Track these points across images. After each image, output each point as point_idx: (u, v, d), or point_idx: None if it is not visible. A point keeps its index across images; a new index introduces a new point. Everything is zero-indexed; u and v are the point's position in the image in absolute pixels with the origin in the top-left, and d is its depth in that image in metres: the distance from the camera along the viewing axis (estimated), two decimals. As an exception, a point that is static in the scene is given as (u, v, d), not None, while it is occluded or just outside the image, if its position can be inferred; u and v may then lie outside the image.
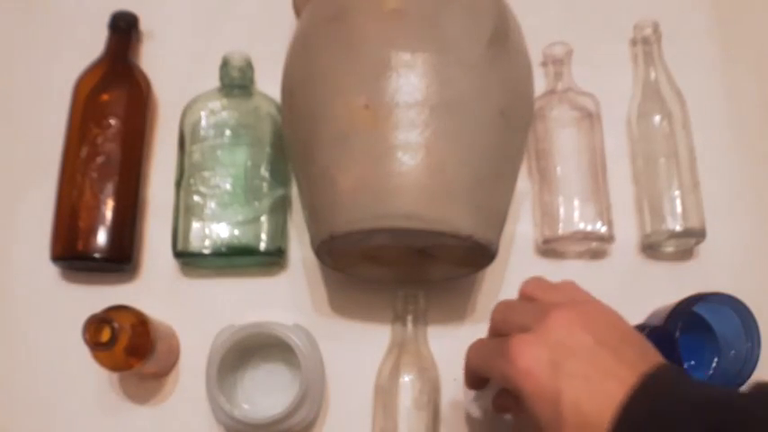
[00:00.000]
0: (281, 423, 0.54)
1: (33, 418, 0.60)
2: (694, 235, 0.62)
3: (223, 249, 0.61)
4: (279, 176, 0.63)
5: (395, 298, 0.61)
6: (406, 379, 0.57)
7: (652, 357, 0.41)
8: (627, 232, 0.65)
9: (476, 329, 0.62)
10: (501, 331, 0.47)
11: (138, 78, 0.67)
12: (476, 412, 0.60)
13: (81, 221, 0.61)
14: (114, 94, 0.66)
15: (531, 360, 0.40)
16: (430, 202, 0.49)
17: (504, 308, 0.49)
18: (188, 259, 0.63)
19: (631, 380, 0.38)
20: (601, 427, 0.37)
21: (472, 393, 0.59)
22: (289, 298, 0.63)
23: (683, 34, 0.71)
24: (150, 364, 0.55)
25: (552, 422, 0.39)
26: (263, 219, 0.62)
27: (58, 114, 0.65)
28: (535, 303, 0.46)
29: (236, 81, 0.65)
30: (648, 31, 0.68)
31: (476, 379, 0.52)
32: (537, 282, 0.49)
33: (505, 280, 0.64)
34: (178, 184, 0.63)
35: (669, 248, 0.64)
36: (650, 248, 0.65)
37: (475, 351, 0.50)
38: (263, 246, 0.61)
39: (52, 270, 0.64)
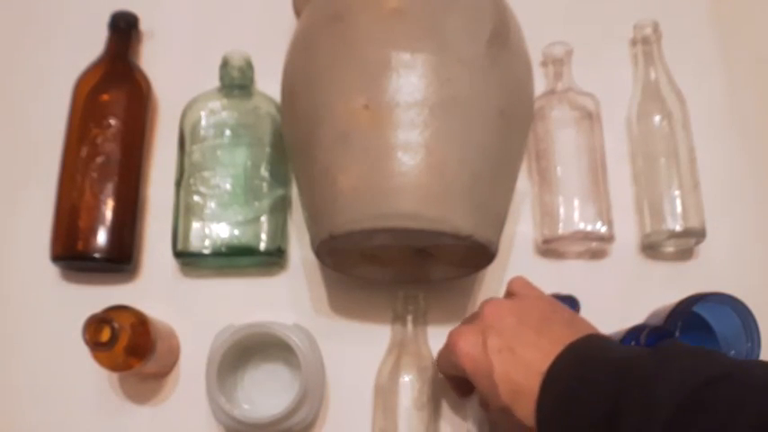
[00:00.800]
0: (281, 423, 0.54)
1: (33, 418, 0.60)
2: (694, 235, 0.62)
3: (223, 249, 0.61)
4: (279, 176, 0.63)
5: (395, 298, 0.61)
6: (406, 379, 0.57)
7: (582, 332, 0.46)
8: (627, 232, 0.65)
9: (476, 329, 0.62)
10: None
11: (138, 78, 0.67)
12: (475, 412, 0.60)
13: (81, 221, 0.61)
14: (114, 94, 0.66)
15: (467, 344, 0.48)
16: (430, 201, 0.49)
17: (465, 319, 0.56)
18: (188, 259, 0.63)
19: (556, 350, 0.44)
20: (531, 392, 0.43)
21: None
22: (289, 298, 0.63)
23: (683, 34, 0.71)
24: (150, 364, 0.55)
25: (491, 393, 0.45)
26: (263, 219, 0.62)
27: (58, 114, 0.65)
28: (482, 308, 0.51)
29: (236, 81, 0.65)
30: (648, 31, 0.68)
31: (455, 384, 0.56)
32: (489, 299, 0.54)
33: (505, 280, 0.63)
34: (178, 184, 0.63)
35: (669, 248, 0.64)
36: (650, 248, 0.65)
37: (437, 358, 0.56)
38: (263, 246, 0.61)
39: (52, 270, 0.64)
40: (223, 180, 0.62)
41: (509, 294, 0.54)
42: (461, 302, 0.63)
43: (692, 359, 0.39)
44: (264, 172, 0.63)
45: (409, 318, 0.60)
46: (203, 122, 0.64)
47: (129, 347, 0.53)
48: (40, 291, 0.64)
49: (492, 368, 0.45)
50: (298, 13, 0.63)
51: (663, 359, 0.40)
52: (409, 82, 0.50)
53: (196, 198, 0.62)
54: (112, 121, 0.64)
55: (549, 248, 0.64)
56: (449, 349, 0.50)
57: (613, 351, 0.43)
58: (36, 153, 0.67)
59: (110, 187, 0.62)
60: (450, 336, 0.50)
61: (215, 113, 0.64)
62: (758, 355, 0.55)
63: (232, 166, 0.63)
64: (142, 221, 0.65)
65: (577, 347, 0.44)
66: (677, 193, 0.63)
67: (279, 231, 0.62)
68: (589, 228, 0.62)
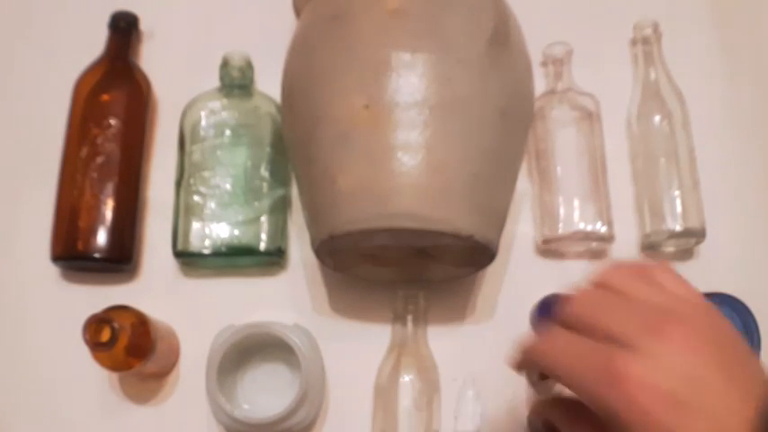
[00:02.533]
0: (281, 423, 0.54)
1: (33, 419, 0.60)
2: (694, 235, 0.62)
3: (223, 249, 0.61)
4: (279, 176, 0.63)
5: (395, 298, 0.61)
6: (406, 379, 0.57)
7: (757, 375, 0.35)
8: (627, 232, 0.65)
9: (476, 329, 0.62)
10: (588, 331, 0.36)
11: (138, 78, 0.67)
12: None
13: (81, 221, 0.61)
14: (114, 94, 0.66)
15: (649, 395, 0.32)
16: (430, 202, 0.49)
17: (589, 302, 0.38)
18: (188, 259, 0.63)
19: (748, 413, 0.32)
20: None
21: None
22: (289, 298, 0.63)
23: (683, 34, 0.71)
24: (150, 364, 0.55)
25: None
26: (263, 219, 0.62)
27: (58, 114, 0.65)
28: (633, 305, 0.36)
29: (236, 81, 0.65)
30: (648, 31, 0.68)
31: (530, 366, 0.43)
32: (626, 272, 0.38)
33: (505, 280, 0.64)
34: (178, 184, 0.63)
35: (669, 248, 0.64)
36: (650, 248, 0.65)
37: (557, 349, 0.37)
38: (263, 246, 0.61)
39: (52, 270, 0.64)
40: (223, 180, 0.62)
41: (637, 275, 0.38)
42: (461, 302, 0.63)
43: None
44: (264, 172, 0.63)
45: (409, 318, 0.60)
46: (203, 122, 0.64)
47: (129, 347, 0.53)
48: (40, 291, 0.64)
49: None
50: (298, 13, 0.63)
51: None
52: (409, 82, 0.50)
53: (196, 198, 0.62)
54: (112, 121, 0.64)
55: (549, 248, 0.64)
56: (608, 382, 0.33)
57: None
58: (36, 153, 0.67)
59: (110, 187, 0.62)
60: (617, 368, 0.33)
61: (215, 113, 0.64)
62: (758, 356, 0.55)
63: (232, 166, 0.63)
64: (142, 221, 0.65)
65: None
66: (677, 192, 0.63)
67: (279, 231, 0.62)
68: (589, 228, 0.62)
